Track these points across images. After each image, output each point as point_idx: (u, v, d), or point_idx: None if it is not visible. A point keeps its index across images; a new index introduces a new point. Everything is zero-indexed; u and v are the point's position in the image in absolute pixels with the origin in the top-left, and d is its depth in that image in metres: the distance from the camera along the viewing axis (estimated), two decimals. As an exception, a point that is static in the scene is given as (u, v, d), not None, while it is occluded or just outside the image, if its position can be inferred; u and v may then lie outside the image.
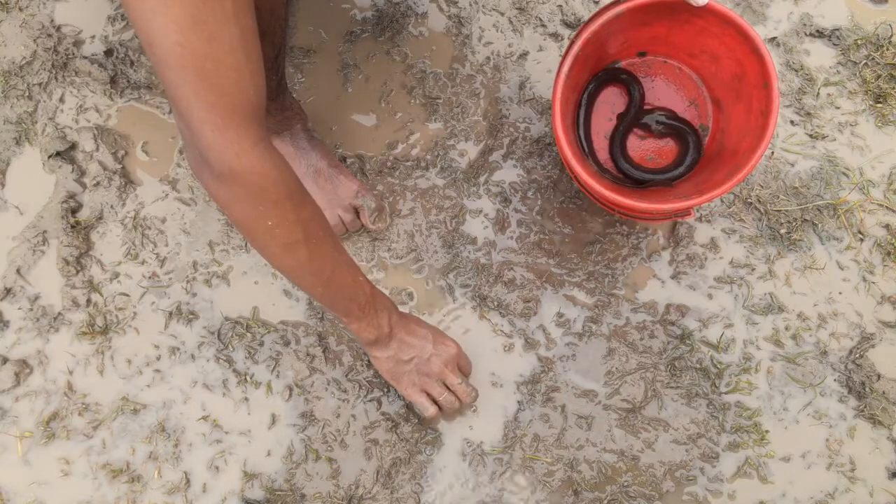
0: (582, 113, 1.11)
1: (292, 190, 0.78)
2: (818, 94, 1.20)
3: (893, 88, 1.19)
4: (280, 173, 0.76)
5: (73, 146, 1.20)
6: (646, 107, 1.11)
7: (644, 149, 1.12)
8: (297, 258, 0.82)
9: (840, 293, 1.15)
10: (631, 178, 1.10)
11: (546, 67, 1.21)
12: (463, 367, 1.07)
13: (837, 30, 1.21)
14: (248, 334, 1.15)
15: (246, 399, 1.13)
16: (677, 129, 1.09)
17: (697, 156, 1.09)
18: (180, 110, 0.70)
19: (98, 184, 1.18)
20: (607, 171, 1.11)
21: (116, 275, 1.16)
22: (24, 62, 1.21)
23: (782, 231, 1.16)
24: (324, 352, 1.13)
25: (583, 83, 1.10)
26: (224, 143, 0.71)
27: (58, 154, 1.19)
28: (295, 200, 0.79)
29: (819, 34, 1.22)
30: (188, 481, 1.10)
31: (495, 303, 1.15)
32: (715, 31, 0.99)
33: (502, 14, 1.23)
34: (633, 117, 1.09)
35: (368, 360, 1.13)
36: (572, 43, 0.97)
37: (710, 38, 1.01)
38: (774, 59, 1.20)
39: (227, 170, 0.73)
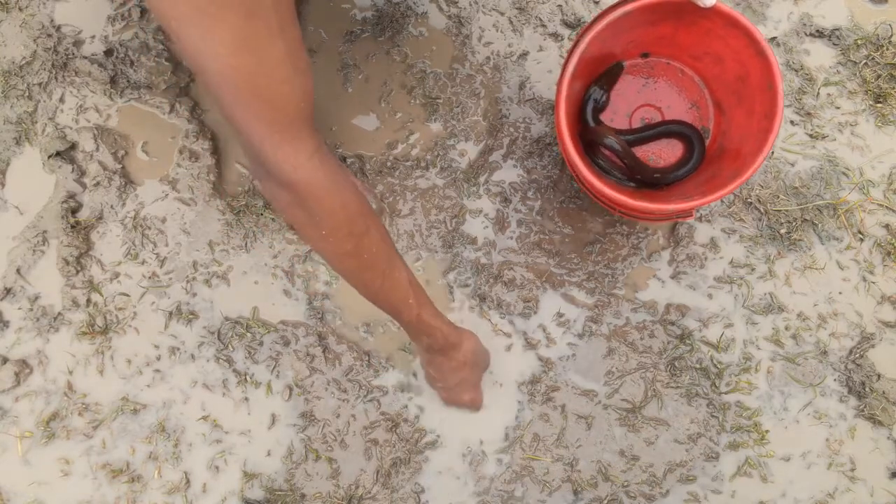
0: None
1: (346, 201, 0.79)
2: (818, 94, 1.20)
3: (893, 88, 1.19)
4: (333, 185, 0.78)
5: (73, 146, 1.19)
6: (645, 106, 1.11)
7: (645, 149, 1.12)
8: (347, 267, 0.85)
9: (840, 293, 1.15)
10: (637, 181, 1.10)
11: (546, 67, 1.21)
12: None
13: (837, 30, 1.21)
14: (248, 334, 1.14)
15: (246, 399, 1.13)
16: (671, 131, 1.10)
17: (701, 157, 1.09)
18: (239, 128, 0.72)
19: (98, 184, 1.18)
20: (610, 168, 1.11)
21: (116, 275, 1.16)
22: (24, 62, 1.21)
23: (782, 231, 1.16)
24: (324, 352, 1.13)
25: (585, 82, 1.09)
26: (282, 157, 0.73)
27: (58, 154, 1.18)
28: (349, 211, 0.80)
29: (819, 34, 1.22)
30: (188, 481, 1.10)
31: (495, 302, 1.15)
32: (720, 33, 0.99)
33: (502, 14, 1.23)
34: (627, 152, 1.09)
35: (368, 360, 1.13)
36: (579, 39, 0.97)
37: (716, 40, 1.01)
38: (774, 59, 1.20)
39: (286, 181, 0.75)
